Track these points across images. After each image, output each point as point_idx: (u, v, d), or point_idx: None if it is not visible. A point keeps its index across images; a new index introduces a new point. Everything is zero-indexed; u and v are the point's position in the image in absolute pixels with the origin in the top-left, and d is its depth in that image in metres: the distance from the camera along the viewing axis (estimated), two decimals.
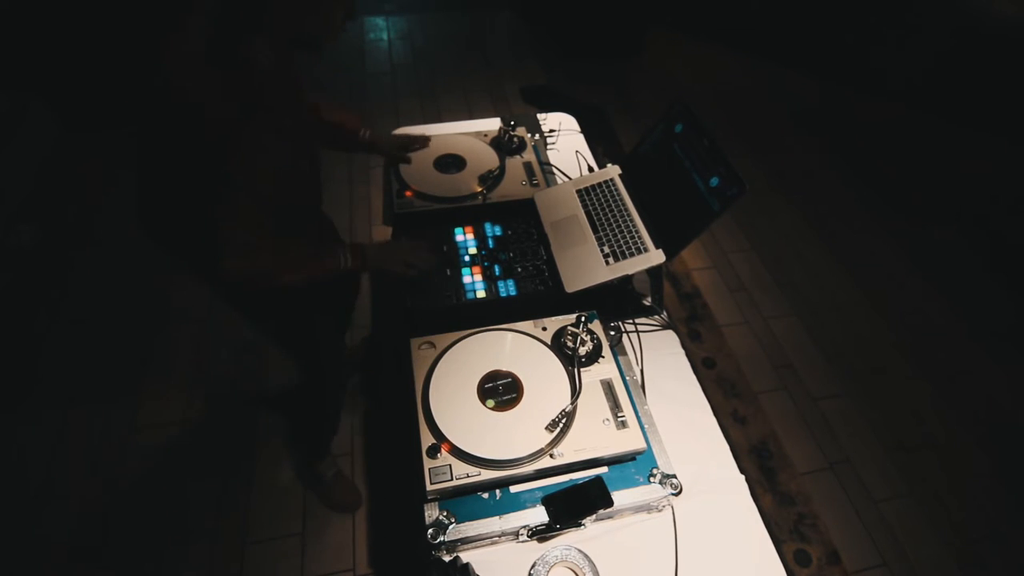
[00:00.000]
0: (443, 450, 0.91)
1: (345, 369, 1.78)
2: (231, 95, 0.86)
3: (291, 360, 1.52)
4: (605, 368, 1.05)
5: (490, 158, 1.50)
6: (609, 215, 1.31)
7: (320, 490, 1.68)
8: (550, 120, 1.71)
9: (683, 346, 1.23)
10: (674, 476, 0.95)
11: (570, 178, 1.51)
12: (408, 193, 1.38)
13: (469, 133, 1.57)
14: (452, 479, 0.88)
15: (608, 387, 1.02)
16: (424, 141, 1.50)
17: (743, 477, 1.04)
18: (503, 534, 0.89)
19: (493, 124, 1.61)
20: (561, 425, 0.95)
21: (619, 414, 0.98)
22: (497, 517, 0.89)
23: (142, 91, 0.95)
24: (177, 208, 1.03)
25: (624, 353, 1.17)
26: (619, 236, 1.26)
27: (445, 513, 0.89)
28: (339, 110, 1.36)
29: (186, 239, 1.08)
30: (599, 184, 1.39)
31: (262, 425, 1.84)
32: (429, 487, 0.88)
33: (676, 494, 0.93)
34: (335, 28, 0.96)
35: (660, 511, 0.97)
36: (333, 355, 1.48)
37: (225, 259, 0.95)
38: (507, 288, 1.24)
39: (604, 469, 0.96)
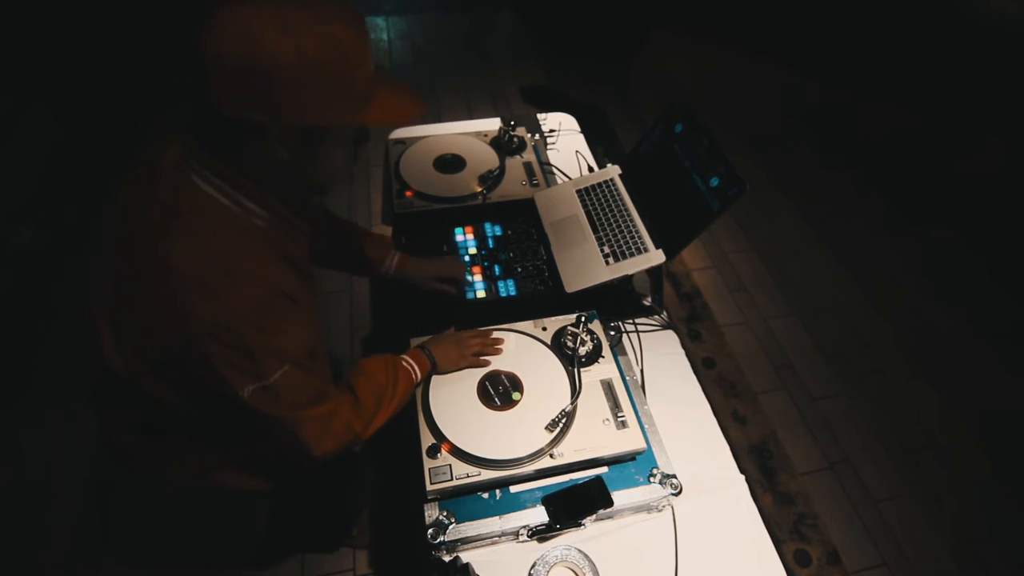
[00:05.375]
0: (443, 450, 0.91)
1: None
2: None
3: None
4: (605, 368, 1.05)
5: (490, 158, 1.50)
6: (609, 215, 1.31)
7: (346, 542, 1.60)
8: (550, 120, 1.71)
9: (683, 346, 1.23)
10: (674, 476, 0.95)
11: (570, 178, 1.51)
12: (408, 193, 1.38)
13: (469, 133, 1.57)
14: (452, 479, 0.88)
15: (608, 387, 1.02)
16: (460, 279, 1.22)
17: (743, 477, 1.03)
18: (503, 534, 0.89)
19: (493, 124, 1.60)
20: (561, 425, 0.95)
21: (619, 414, 0.98)
22: (497, 517, 0.89)
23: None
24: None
25: (624, 353, 1.17)
26: (619, 236, 1.26)
27: (445, 513, 0.89)
28: (367, 235, 1.17)
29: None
30: (599, 184, 1.39)
31: None
32: (429, 487, 0.88)
33: (676, 494, 0.93)
34: (344, 170, 0.79)
35: (660, 511, 0.97)
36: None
37: (310, 449, 0.78)
38: (507, 288, 1.24)
39: (604, 469, 0.96)
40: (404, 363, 0.96)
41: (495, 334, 1.08)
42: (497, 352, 1.06)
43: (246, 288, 0.69)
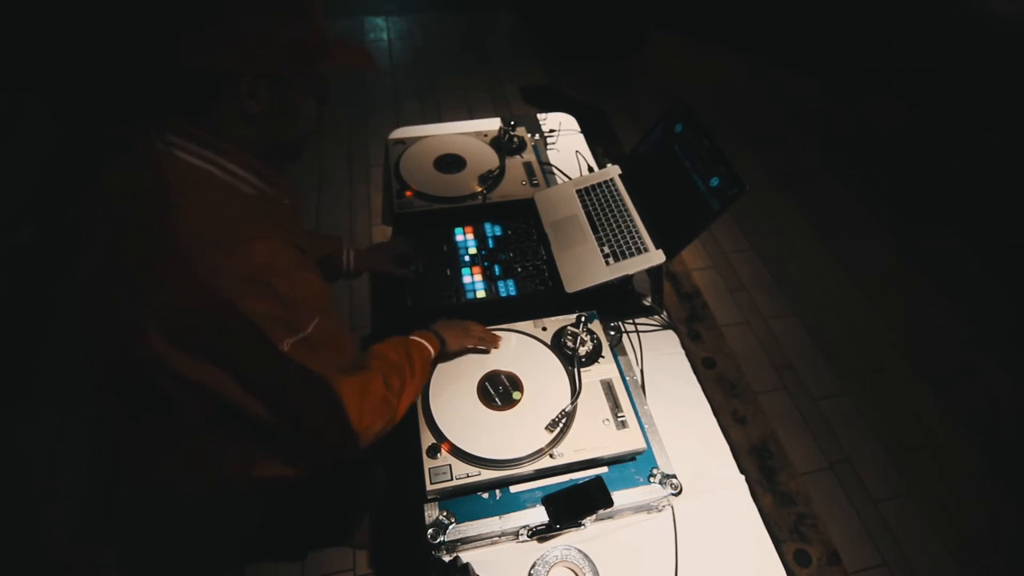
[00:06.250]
0: (443, 450, 0.91)
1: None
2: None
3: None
4: (605, 368, 1.05)
5: (490, 158, 1.50)
6: (609, 215, 1.31)
7: (346, 541, 1.60)
8: (550, 120, 1.71)
9: (683, 346, 1.23)
10: (674, 476, 0.95)
11: (570, 178, 1.51)
12: (408, 193, 1.38)
13: (469, 133, 1.57)
14: (452, 479, 0.88)
15: (608, 387, 1.02)
16: (423, 257, 1.26)
17: (743, 477, 1.03)
18: (503, 534, 0.89)
19: (493, 124, 1.60)
20: (561, 425, 0.95)
21: (619, 414, 0.98)
22: (497, 517, 0.89)
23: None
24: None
25: (624, 353, 1.17)
26: (619, 236, 1.26)
27: (445, 513, 0.89)
28: (317, 239, 1.19)
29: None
30: (599, 184, 1.39)
31: None
32: (429, 487, 0.88)
33: (676, 494, 0.93)
34: (311, 127, 0.82)
35: (660, 511, 0.97)
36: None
37: (353, 420, 0.76)
38: (507, 288, 1.24)
39: (604, 469, 0.96)
40: (414, 340, 0.96)
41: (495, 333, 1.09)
42: (496, 345, 1.06)
43: (260, 240, 0.70)
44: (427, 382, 1.00)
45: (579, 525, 0.91)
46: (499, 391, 1.00)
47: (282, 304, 0.69)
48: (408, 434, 0.95)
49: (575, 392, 1.00)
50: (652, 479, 0.95)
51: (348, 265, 1.22)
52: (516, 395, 1.00)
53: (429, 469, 0.89)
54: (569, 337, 1.06)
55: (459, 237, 1.33)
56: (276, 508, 1.36)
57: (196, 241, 0.66)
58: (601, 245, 1.26)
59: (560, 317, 1.12)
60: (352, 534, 1.58)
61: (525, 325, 1.11)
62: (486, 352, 1.06)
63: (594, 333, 1.09)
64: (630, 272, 1.21)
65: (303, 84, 0.76)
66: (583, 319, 1.05)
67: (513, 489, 0.93)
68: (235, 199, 0.74)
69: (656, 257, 1.20)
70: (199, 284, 0.65)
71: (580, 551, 0.89)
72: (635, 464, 0.97)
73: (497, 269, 1.26)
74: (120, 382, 0.81)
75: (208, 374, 0.72)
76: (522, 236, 1.35)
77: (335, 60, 0.76)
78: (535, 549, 0.91)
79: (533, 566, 0.88)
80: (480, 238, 1.33)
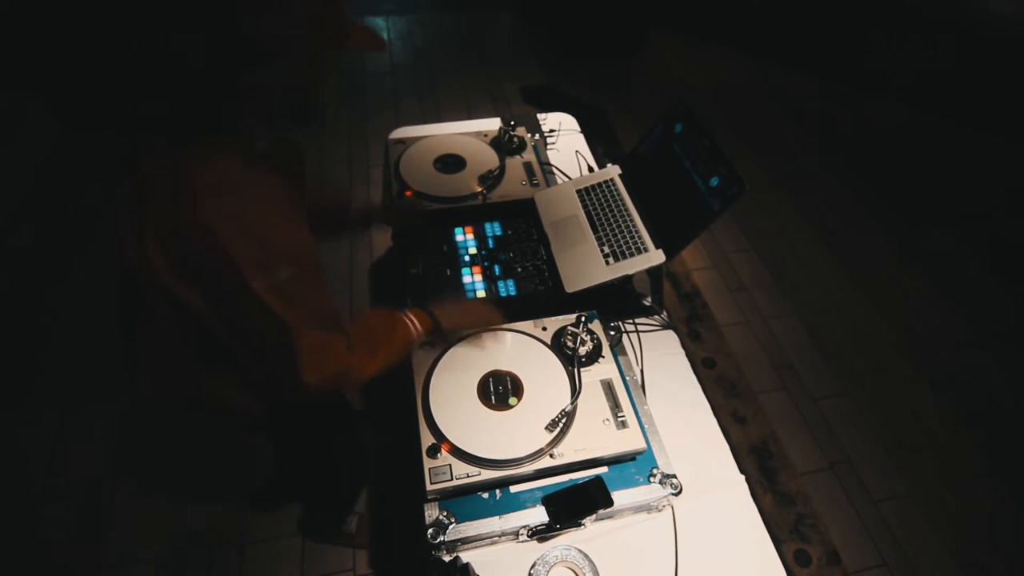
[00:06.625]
0: (443, 450, 0.91)
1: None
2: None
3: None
4: (605, 368, 1.05)
5: (490, 158, 1.50)
6: (609, 215, 1.31)
7: (346, 541, 1.61)
8: (550, 120, 1.71)
9: (683, 346, 1.23)
10: (674, 476, 0.95)
11: (570, 178, 1.51)
12: (408, 193, 1.38)
13: (469, 133, 1.57)
14: (452, 479, 0.88)
15: (608, 387, 1.02)
16: (418, 214, 1.34)
17: (743, 477, 1.03)
18: (503, 534, 0.89)
19: (493, 124, 1.60)
20: (561, 425, 0.95)
21: (619, 414, 0.98)
22: (497, 517, 0.89)
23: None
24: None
25: (624, 353, 1.17)
26: (619, 236, 1.26)
27: (445, 513, 0.89)
28: (321, 190, 1.20)
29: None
30: (599, 184, 1.39)
31: None
32: (429, 487, 0.88)
33: (676, 494, 0.93)
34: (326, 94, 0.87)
35: (660, 511, 0.97)
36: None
37: (301, 371, 0.78)
38: (507, 288, 1.24)
39: (604, 469, 0.96)
40: (402, 316, 0.97)
41: (495, 333, 1.09)
42: (496, 321, 1.08)
43: (256, 188, 0.76)
44: (428, 368, 1.01)
45: (579, 525, 0.91)
46: (499, 391, 1.00)
47: (259, 246, 0.74)
48: (408, 434, 0.95)
49: (575, 392, 1.00)
50: (652, 479, 0.95)
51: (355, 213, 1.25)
52: (516, 395, 1.00)
53: (429, 469, 0.89)
54: (569, 337, 1.06)
55: (459, 237, 1.33)
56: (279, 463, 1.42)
57: (194, 181, 0.73)
58: (601, 245, 1.26)
59: (560, 317, 1.12)
60: (350, 530, 1.58)
61: (525, 325, 1.11)
62: (483, 336, 1.07)
63: (594, 333, 1.09)
64: (630, 272, 1.21)
65: (328, 58, 0.81)
66: (583, 319, 1.05)
67: (513, 489, 0.93)
68: (243, 151, 0.78)
69: (656, 257, 1.20)
70: (191, 214, 0.72)
71: (580, 551, 0.89)
72: (635, 464, 0.97)
73: (497, 269, 1.26)
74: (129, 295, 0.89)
75: (189, 294, 0.77)
76: (522, 236, 1.35)
77: (356, 40, 0.82)
78: (535, 549, 0.91)
79: (533, 566, 0.88)
80: (480, 238, 1.33)
